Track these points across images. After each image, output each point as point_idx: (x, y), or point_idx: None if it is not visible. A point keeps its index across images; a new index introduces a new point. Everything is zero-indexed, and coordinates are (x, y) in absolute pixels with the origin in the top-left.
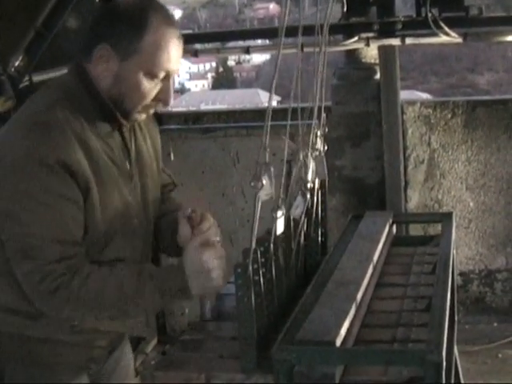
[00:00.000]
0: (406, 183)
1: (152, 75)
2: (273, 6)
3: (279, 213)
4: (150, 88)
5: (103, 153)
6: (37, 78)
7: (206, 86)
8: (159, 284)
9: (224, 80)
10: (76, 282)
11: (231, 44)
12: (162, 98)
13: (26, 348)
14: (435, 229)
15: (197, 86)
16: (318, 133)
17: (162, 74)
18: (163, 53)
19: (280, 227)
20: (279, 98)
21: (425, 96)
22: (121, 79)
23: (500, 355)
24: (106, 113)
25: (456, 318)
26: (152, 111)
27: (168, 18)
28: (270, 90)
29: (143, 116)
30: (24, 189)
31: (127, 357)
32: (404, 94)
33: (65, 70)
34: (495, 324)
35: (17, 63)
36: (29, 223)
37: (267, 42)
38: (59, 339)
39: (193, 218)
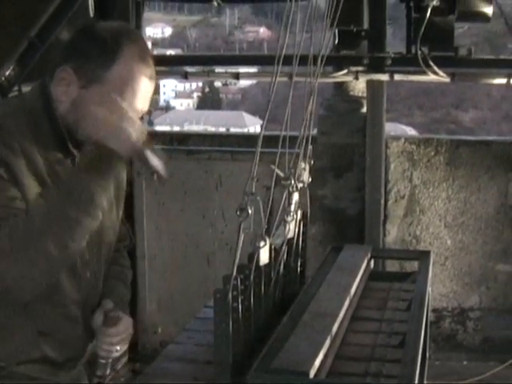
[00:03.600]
0: (386, 217)
1: None
2: (263, 30)
3: (262, 243)
4: None
5: (47, 176)
6: (26, 88)
7: (192, 105)
8: (86, 166)
9: (209, 100)
10: (5, 230)
11: (222, 69)
12: None
13: None
14: (411, 265)
15: (182, 105)
16: (303, 164)
17: None
18: (128, 89)
19: (264, 258)
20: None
21: (408, 129)
22: (78, 107)
23: None
24: (58, 139)
25: (427, 354)
26: None
27: (143, 53)
28: (263, 118)
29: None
30: None
31: None
32: (387, 126)
33: None
34: (465, 362)
35: (7, 72)
36: None
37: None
38: None
39: (109, 317)
